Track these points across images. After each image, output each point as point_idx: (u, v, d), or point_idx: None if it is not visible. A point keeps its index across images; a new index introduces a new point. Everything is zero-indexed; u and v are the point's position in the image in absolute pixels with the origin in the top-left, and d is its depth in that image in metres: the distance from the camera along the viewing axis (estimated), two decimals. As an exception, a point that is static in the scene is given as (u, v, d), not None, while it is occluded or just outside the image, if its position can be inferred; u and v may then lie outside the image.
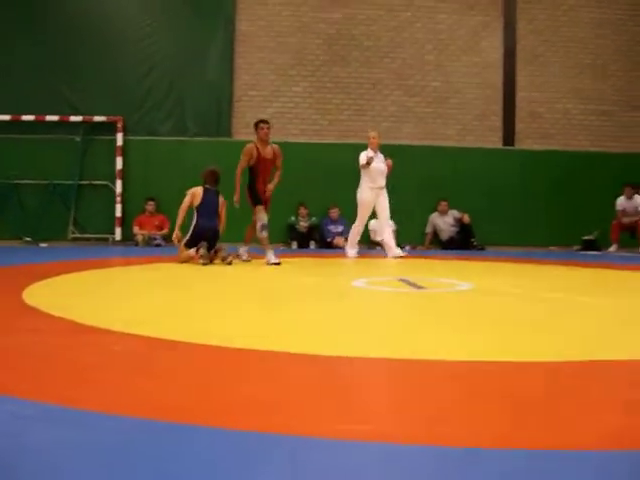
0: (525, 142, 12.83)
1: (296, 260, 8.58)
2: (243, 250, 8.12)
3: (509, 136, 12.77)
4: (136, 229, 11.42)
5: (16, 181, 11.53)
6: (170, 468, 1.52)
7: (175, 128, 12.06)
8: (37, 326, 3.32)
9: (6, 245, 10.96)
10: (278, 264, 7.41)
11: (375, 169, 9.07)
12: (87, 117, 11.68)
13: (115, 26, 11.97)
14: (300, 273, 7.10)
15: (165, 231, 11.37)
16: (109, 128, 11.72)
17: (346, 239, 11.05)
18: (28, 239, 11.37)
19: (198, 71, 12.06)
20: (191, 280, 6.17)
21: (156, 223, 11.49)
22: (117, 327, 3.21)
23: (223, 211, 8.02)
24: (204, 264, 7.30)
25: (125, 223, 11.65)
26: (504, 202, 12.34)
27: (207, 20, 12.10)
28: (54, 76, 11.70)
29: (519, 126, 12.80)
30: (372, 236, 11.19)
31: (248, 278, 6.51)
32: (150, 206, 11.54)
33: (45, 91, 11.65)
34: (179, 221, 7.89)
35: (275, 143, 8.07)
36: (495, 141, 12.74)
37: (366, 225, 9.81)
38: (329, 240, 11.63)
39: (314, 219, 11.77)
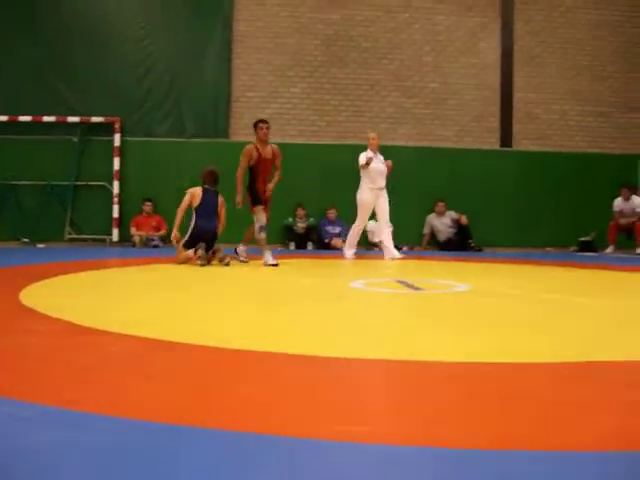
0: (522, 143, 12.85)
1: (294, 261, 8.58)
2: (242, 250, 8.11)
3: (506, 137, 12.78)
4: (133, 230, 11.41)
5: (13, 182, 11.51)
6: (168, 469, 1.52)
7: (173, 129, 12.05)
8: (34, 327, 3.31)
9: (3, 246, 10.94)
10: (276, 265, 7.41)
11: (375, 170, 9.07)
12: (84, 118, 11.67)
13: (113, 27, 11.97)
14: (298, 274, 7.09)
15: (162, 232, 11.36)
16: (106, 129, 11.71)
17: (344, 240, 11.06)
18: (25, 240, 11.35)
19: (196, 72, 12.06)
20: (189, 281, 6.17)
21: (153, 224, 11.48)
22: (115, 328, 3.21)
23: (222, 211, 8.00)
24: (202, 265, 7.30)
25: (122, 224, 11.63)
26: (501, 203, 12.36)
27: (205, 21, 12.10)
28: (52, 77, 11.70)
29: (516, 127, 12.82)
30: (370, 237, 11.20)
31: (246, 279, 6.51)
32: (147, 207, 11.53)
33: (43, 92, 11.64)
34: (177, 221, 7.85)
35: (273, 143, 8.08)
36: (493, 142, 12.76)
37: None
38: (327, 241, 11.63)
39: (312, 220, 11.78)
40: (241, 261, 8.02)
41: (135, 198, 11.60)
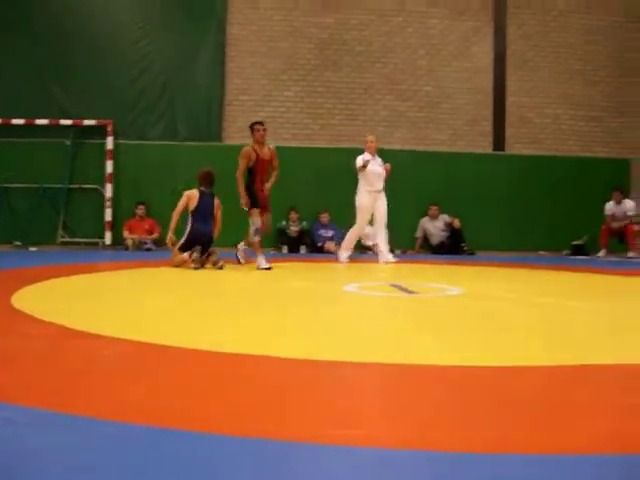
0: (515, 147, 12.89)
1: (287, 265, 8.58)
2: (242, 248, 8.09)
3: (499, 141, 12.81)
4: (126, 233, 11.38)
5: (6, 185, 11.46)
6: (161, 472, 1.51)
7: (166, 132, 12.04)
8: (26, 331, 3.29)
9: (-5, 249, 10.91)
10: (269, 269, 7.40)
11: (372, 172, 9.07)
12: (77, 121, 11.64)
13: (107, 29, 11.94)
14: (291, 278, 7.09)
15: (155, 235, 11.34)
16: (99, 132, 11.68)
17: (337, 244, 11.05)
18: (18, 243, 11.30)
19: (189, 75, 12.05)
20: (182, 284, 6.16)
21: (146, 227, 11.46)
22: (107, 332, 3.19)
23: (219, 213, 7.98)
24: (195, 268, 7.28)
25: (115, 227, 11.60)
26: (494, 207, 12.37)
27: (198, 24, 12.09)
28: (45, 79, 11.67)
29: (509, 131, 12.85)
30: (364, 240, 11.19)
31: (239, 282, 6.50)
32: (140, 210, 11.51)
33: (35, 94, 11.62)
34: (173, 224, 7.79)
35: (269, 144, 8.08)
36: (485, 146, 12.79)
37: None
38: (319, 245, 11.62)
39: (304, 224, 11.77)
40: (237, 259, 8.03)
41: (128, 201, 11.58)
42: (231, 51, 12.25)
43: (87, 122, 11.65)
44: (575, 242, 11.92)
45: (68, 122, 11.60)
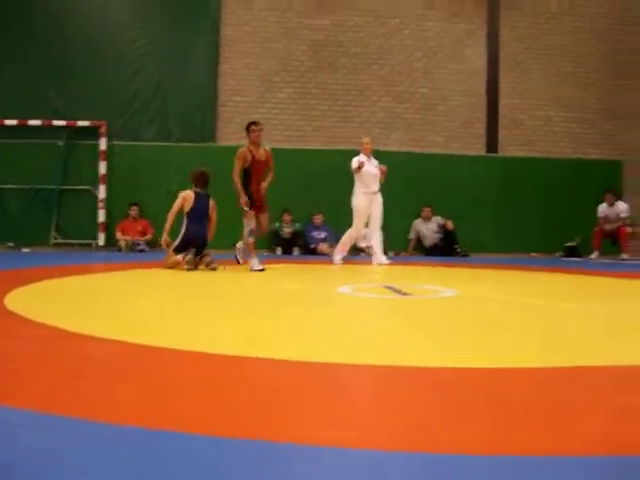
0: (508, 149, 12.92)
1: (280, 266, 8.57)
2: (240, 248, 8.07)
3: (492, 143, 12.85)
4: (119, 234, 11.36)
5: (-2, 185, 11.45)
6: (152, 474, 1.51)
7: (159, 133, 12.02)
8: (18, 332, 3.28)
9: (-13, 250, 10.86)
10: (262, 270, 7.39)
11: (368, 174, 9.07)
12: (70, 122, 11.62)
13: (100, 30, 11.92)
14: (285, 279, 7.08)
15: (148, 236, 11.32)
16: (92, 133, 11.66)
17: (330, 245, 11.06)
18: (10, 244, 11.26)
19: (183, 76, 12.04)
20: (175, 286, 6.14)
21: (139, 228, 11.44)
22: (100, 333, 3.18)
23: (214, 214, 7.97)
24: (188, 270, 7.27)
25: (108, 228, 11.58)
26: (487, 209, 12.41)
27: (192, 25, 12.08)
28: (38, 80, 11.64)
29: (502, 133, 12.89)
30: (358, 241, 11.17)
31: (233, 284, 6.49)
32: (133, 211, 11.49)
33: (29, 95, 11.58)
34: (168, 226, 7.74)
35: (265, 145, 8.06)
36: (479, 148, 12.82)
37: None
38: (312, 246, 11.63)
39: (298, 225, 11.77)
40: (237, 259, 8.03)
41: (121, 202, 11.55)
42: (225, 52, 12.25)
43: (80, 123, 11.64)
44: (568, 244, 11.96)
45: (61, 123, 11.57)
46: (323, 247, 11.37)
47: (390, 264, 9.10)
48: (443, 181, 12.29)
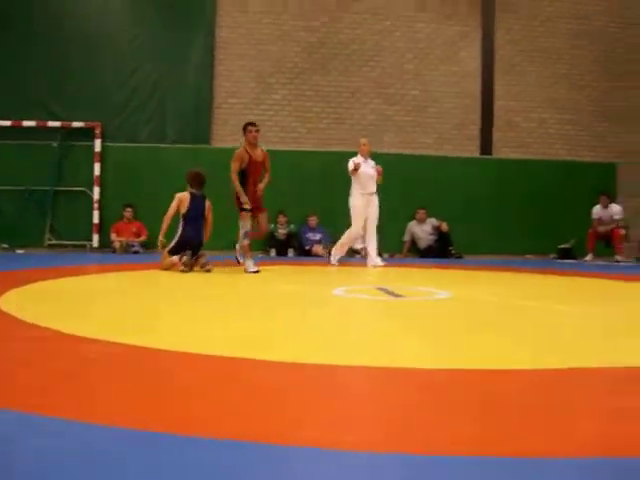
0: (502, 151, 12.95)
1: (275, 268, 8.57)
2: (240, 249, 8.08)
3: (487, 145, 12.88)
4: (113, 236, 11.34)
5: (-8, 187, 11.41)
6: (147, 476, 1.51)
7: (154, 135, 12.00)
8: (13, 334, 3.27)
9: (-19, 252, 10.82)
10: (257, 272, 7.39)
11: (364, 175, 9.07)
12: (65, 123, 11.59)
13: (96, 31, 11.89)
14: (279, 281, 7.08)
15: (143, 238, 11.30)
16: (87, 134, 11.63)
17: (324, 247, 11.07)
18: (5, 246, 11.23)
19: (178, 78, 12.02)
20: (170, 287, 6.14)
21: (134, 230, 11.42)
22: (94, 334, 3.18)
23: (210, 215, 7.95)
24: (184, 271, 7.26)
25: (103, 230, 11.55)
26: (481, 211, 12.43)
27: (188, 27, 12.06)
28: (32, 81, 11.60)
29: (496, 135, 12.92)
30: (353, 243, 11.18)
31: (228, 286, 6.49)
32: (128, 213, 11.47)
33: (23, 96, 11.55)
34: (164, 227, 7.70)
35: (261, 146, 8.05)
36: (473, 150, 12.85)
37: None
38: (307, 248, 11.63)
39: (292, 227, 11.78)
40: (237, 260, 8.03)
41: (115, 204, 11.52)
42: (220, 54, 12.24)
43: (75, 124, 11.61)
44: (562, 246, 11.99)
45: (56, 124, 11.55)
46: (318, 249, 11.38)
47: (385, 266, 9.11)
48: (437, 183, 12.31)
